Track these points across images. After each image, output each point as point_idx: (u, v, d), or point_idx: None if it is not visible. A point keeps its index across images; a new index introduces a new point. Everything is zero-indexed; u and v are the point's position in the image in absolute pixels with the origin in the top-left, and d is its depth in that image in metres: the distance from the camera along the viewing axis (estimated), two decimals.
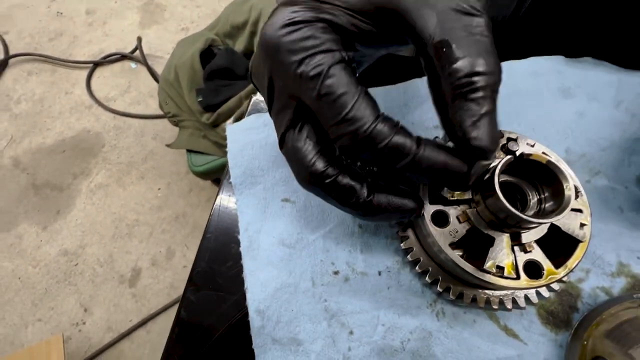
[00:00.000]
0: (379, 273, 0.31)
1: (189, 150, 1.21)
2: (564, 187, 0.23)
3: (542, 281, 0.24)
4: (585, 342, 0.27)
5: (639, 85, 0.36)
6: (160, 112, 1.46)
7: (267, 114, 0.27)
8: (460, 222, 0.25)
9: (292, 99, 0.22)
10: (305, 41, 0.20)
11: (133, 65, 1.79)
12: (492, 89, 0.20)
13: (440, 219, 0.25)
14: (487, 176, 0.24)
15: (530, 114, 0.35)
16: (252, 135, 0.34)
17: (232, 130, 0.35)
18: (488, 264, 0.24)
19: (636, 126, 0.35)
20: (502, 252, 0.24)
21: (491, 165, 0.23)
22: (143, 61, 1.67)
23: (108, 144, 1.64)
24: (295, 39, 0.20)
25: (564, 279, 0.27)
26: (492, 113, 0.20)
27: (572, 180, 0.23)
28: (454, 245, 0.25)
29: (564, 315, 0.30)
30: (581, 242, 0.24)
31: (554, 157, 0.26)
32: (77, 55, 1.79)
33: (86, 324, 1.37)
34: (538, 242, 0.25)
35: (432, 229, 0.25)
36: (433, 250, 0.26)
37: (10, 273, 1.42)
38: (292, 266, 0.31)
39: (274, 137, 0.27)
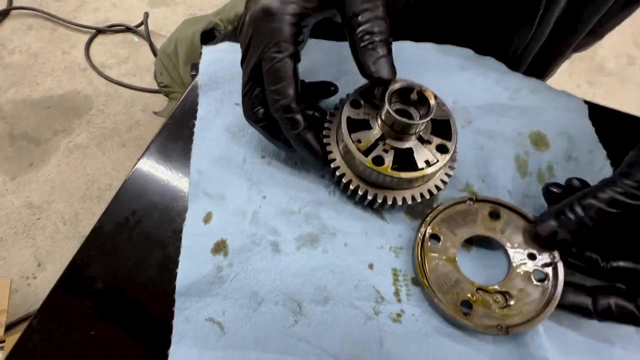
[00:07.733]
0: (296, 163, 0.44)
1: None
2: (430, 102, 0.36)
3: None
4: (425, 224, 0.40)
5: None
6: (153, 87, 1.58)
7: (239, 44, 0.39)
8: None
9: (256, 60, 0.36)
10: (273, 32, 0.33)
11: (136, 38, 1.94)
12: (384, 41, 0.34)
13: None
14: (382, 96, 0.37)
15: (435, 76, 0.50)
16: (222, 54, 0.49)
17: (209, 49, 0.49)
18: (360, 143, 0.37)
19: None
20: (373, 132, 0.38)
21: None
22: (146, 36, 1.83)
23: (96, 108, 1.75)
24: (268, 28, 0.33)
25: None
26: (386, 56, 0.34)
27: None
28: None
29: (422, 210, 0.43)
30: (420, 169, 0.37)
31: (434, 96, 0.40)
32: (81, 20, 1.93)
33: (37, 278, 1.42)
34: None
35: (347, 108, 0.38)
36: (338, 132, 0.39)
37: None
38: (231, 145, 0.44)
39: (237, 59, 0.40)
